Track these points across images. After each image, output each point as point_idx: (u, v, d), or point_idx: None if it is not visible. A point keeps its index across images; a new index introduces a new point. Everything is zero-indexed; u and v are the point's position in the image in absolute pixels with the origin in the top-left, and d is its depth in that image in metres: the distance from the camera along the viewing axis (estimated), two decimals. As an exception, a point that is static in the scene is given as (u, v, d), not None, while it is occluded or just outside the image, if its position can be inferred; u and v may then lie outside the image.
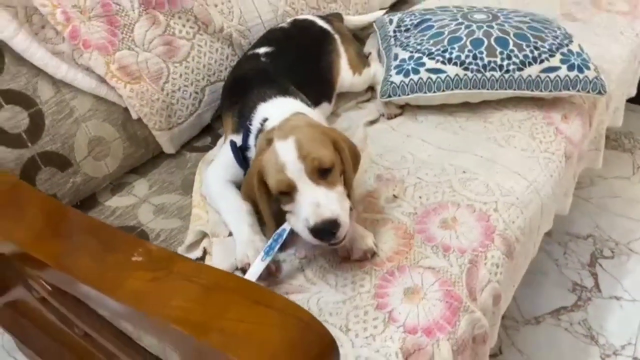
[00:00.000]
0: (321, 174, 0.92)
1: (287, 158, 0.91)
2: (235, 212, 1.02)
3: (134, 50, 1.16)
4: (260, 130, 1.01)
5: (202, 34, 1.29)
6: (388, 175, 1.19)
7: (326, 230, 0.88)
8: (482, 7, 1.51)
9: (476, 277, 0.99)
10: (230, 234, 1.03)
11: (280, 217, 0.97)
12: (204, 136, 1.34)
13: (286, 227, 0.96)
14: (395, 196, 1.13)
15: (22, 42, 1.00)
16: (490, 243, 1.04)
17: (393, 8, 1.87)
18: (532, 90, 1.32)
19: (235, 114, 1.10)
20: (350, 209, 0.97)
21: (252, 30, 1.39)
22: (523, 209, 1.12)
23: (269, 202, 0.97)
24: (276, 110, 1.02)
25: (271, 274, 0.96)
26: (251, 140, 1.04)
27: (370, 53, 1.55)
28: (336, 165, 0.95)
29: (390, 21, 1.56)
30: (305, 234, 0.90)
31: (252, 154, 1.04)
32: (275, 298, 0.66)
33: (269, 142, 0.94)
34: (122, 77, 1.12)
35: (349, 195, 0.99)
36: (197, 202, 1.12)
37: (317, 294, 0.94)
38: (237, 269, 0.97)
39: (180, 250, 1.02)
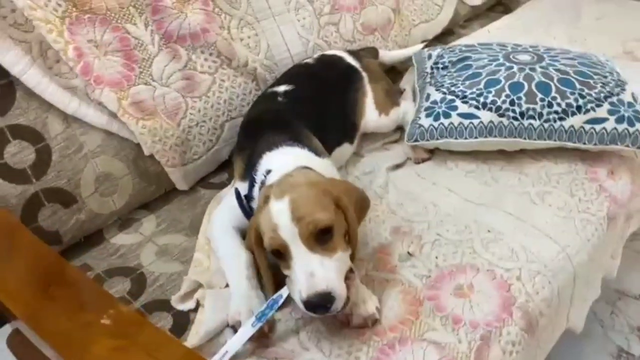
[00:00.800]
0: (318, 238, 0.86)
1: (280, 220, 0.86)
2: (234, 262, 0.97)
3: (151, 85, 1.14)
4: (263, 183, 0.97)
5: (225, 69, 1.25)
6: (406, 228, 1.11)
7: (319, 304, 0.83)
8: (528, 47, 1.40)
9: (486, 357, 0.89)
10: (227, 285, 0.98)
11: (280, 275, 0.92)
12: (221, 172, 1.30)
13: (283, 293, 0.90)
14: (410, 254, 1.05)
15: (33, 77, 1.00)
16: (508, 317, 0.94)
17: (437, 40, 1.78)
18: (575, 142, 1.21)
19: (244, 159, 1.06)
20: (351, 271, 0.90)
21: (279, 64, 1.35)
22: (551, 279, 1.02)
23: (266, 259, 0.92)
24: (280, 162, 0.97)
25: (263, 335, 0.90)
26: (255, 191, 0.99)
27: (404, 89, 1.48)
28: (337, 227, 0.88)
29: (429, 56, 1.48)
30: (300, 305, 0.84)
31: (255, 204, 0.99)
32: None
33: (266, 200, 0.89)
34: (135, 114, 1.10)
35: (352, 254, 0.92)
36: (201, 246, 1.08)
37: (307, 363, 0.88)
38: (228, 325, 0.92)
39: (174, 299, 0.98)
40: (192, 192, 1.25)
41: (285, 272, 0.89)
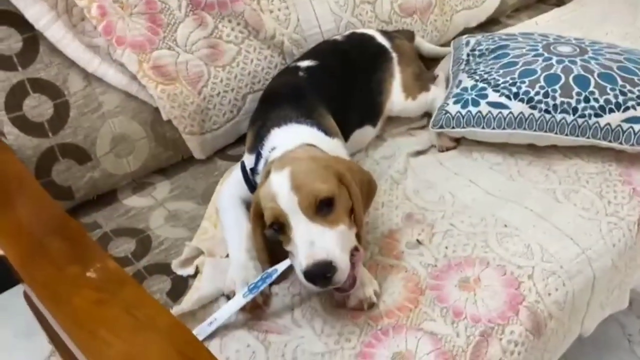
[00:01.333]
0: (319, 209, 0.83)
1: (279, 189, 0.84)
2: (236, 233, 0.96)
3: (174, 50, 1.14)
4: (267, 159, 0.95)
5: (252, 40, 1.24)
6: (419, 215, 1.07)
7: (319, 274, 0.79)
8: (572, 39, 1.33)
9: (484, 354, 0.85)
10: (228, 256, 0.97)
11: (279, 254, 0.90)
12: (240, 145, 1.29)
13: (279, 267, 0.88)
14: (419, 242, 1.01)
15: (57, 32, 1.01)
16: (513, 315, 0.89)
17: (481, 28, 1.71)
18: (610, 141, 1.13)
19: (254, 131, 1.04)
20: (357, 250, 0.88)
21: (309, 39, 1.32)
22: (566, 281, 0.96)
23: (262, 236, 0.91)
24: (285, 139, 0.95)
25: (257, 306, 0.89)
26: (260, 166, 0.98)
27: (437, 75, 1.43)
28: (338, 201, 0.85)
29: (467, 43, 1.42)
30: (302, 280, 0.81)
31: (259, 179, 0.97)
32: (202, 354, 0.59)
33: (267, 174, 0.88)
34: (155, 77, 1.10)
35: (358, 235, 0.89)
36: (209, 215, 1.08)
37: (297, 339, 0.86)
38: (223, 294, 0.91)
39: (174, 263, 0.98)
40: (209, 161, 1.24)
41: (287, 248, 0.87)
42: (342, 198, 0.87)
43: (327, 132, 1.00)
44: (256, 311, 0.89)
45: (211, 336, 0.86)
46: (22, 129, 1.01)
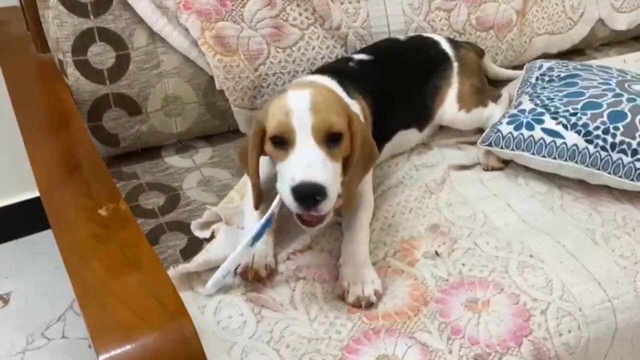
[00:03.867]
0: (326, 140, 0.84)
1: (296, 105, 0.84)
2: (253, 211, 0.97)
3: (239, 25, 1.17)
4: None
5: (317, 27, 1.25)
6: (445, 228, 1.05)
7: (310, 193, 0.79)
8: (653, 79, 1.25)
9: (473, 379, 0.82)
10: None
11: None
12: (287, 127, 1.31)
13: (274, 209, 0.89)
14: (437, 253, 0.99)
15: (129, -12, 1.07)
16: (514, 347, 0.86)
17: (564, 57, 1.63)
18: (667, 193, 1.06)
19: None
20: (339, 196, 0.87)
21: (374, 36, 1.32)
22: (583, 325, 0.90)
23: (258, 156, 0.90)
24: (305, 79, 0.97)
25: (259, 279, 0.90)
26: None
27: (502, 94, 1.39)
28: (344, 141, 0.86)
29: (540, 67, 1.37)
30: (287, 195, 0.81)
31: None
32: (178, 307, 0.61)
33: (282, 91, 0.88)
34: (214, 46, 1.14)
35: (351, 191, 0.90)
36: (240, 186, 1.10)
37: (289, 320, 0.86)
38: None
39: (193, 224, 1.01)
40: (254, 137, 1.27)
41: (279, 164, 0.85)
42: (346, 141, 0.87)
43: (348, 93, 1.00)
44: (257, 284, 0.91)
45: (210, 297, 0.88)
46: (83, 73, 1.08)
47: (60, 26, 1.06)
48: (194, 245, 0.98)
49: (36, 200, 1.64)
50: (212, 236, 0.99)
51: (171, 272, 0.90)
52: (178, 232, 1.01)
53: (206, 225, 1.01)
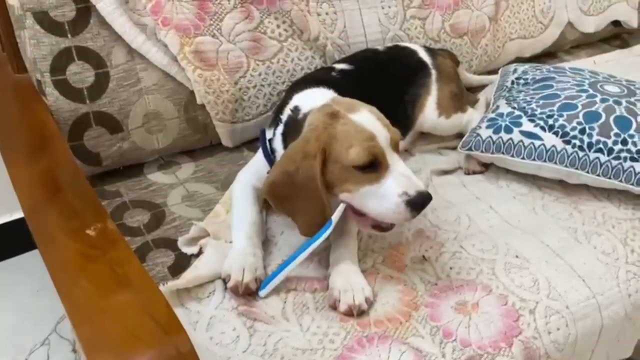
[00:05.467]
0: (397, 147, 0.90)
1: (374, 127, 0.87)
2: (242, 220, 0.98)
3: (218, 39, 1.18)
4: (292, 118, 0.97)
5: (295, 39, 1.26)
6: (430, 233, 1.06)
7: (425, 200, 0.86)
8: (623, 80, 1.28)
9: (467, 380, 0.83)
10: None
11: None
12: (269, 139, 1.31)
13: (333, 218, 0.88)
14: (424, 258, 1.00)
15: (107, 6, 1.06)
16: (505, 347, 0.87)
17: (536, 60, 1.67)
18: (644, 189, 1.09)
19: (276, 108, 1.07)
20: None
21: (352, 46, 1.33)
22: (570, 322, 0.92)
23: (324, 188, 0.87)
24: (310, 99, 0.97)
25: (250, 292, 0.90)
26: (279, 130, 1.00)
27: (479, 99, 1.41)
28: None
29: (515, 71, 1.40)
30: (398, 209, 0.85)
31: (277, 144, 1.00)
32: (172, 322, 0.61)
33: (334, 115, 0.88)
34: (194, 61, 1.14)
35: None
36: (225, 200, 1.10)
37: (282, 332, 0.86)
38: (220, 277, 0.93)
39: (180, 240, 1.01)
40: (237, 150, 1.27)
41: (365, 188, 0.86)
42: None
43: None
44: (248, 297, 0.90)
45: (202, 313, 0.88)
46: (62, 92, 1.06)
47: (37, 46, 1.05)
48: (182, 262, 0.98)
49: (17, 223, 1.62)
50: (200, 252, 0.99)
51: (161, 289, 0.89)
52: (165, 249, 1.00)
53: (193, 240, 1.01)
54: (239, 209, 1.00)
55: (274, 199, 0.90)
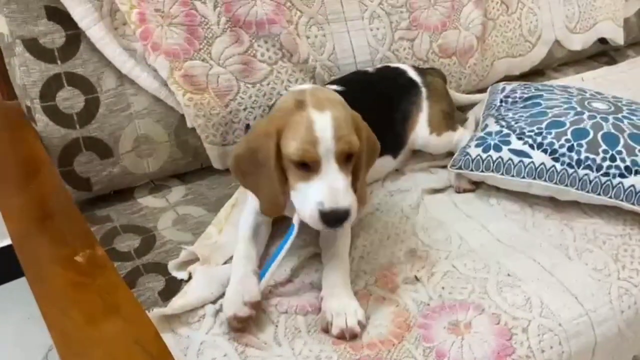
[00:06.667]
0: (344, 159, 0.88)
1: (323, 134, 0.86)
2: (242, 259, 0.95)
3: (208, 63, 1.18)
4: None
5: (285, 62, 1.27)
6: (422, 253, 1.06)
7: (338, 218, 0.86)
8: (609, 96, 1.30)
9: (460, 402, 0.82)
10: (224, 263, 0.99)
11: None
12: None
13: (295, 222, 0.92)
14: (417, 278, 1.00)
15: (97, 33, 1.07)
16: (499, 367, 0.86)
17: (525, 78, 1.69)
18: (633, 204, 1.09)
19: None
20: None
21: (342, 68, 1.34)
22: (563, 340, 0.92)
23: (279, 169, 0.89)
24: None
25: (242, 320, 0.88)
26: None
27: (468, 118, 1.42)
28: (356, 155, 0.90)
29: (503, 89, 1.41)
30: (312, 215, 0.86)
31: None
32: (163, 352, 0.60)
33: (300, 104, 0.89)
34: (184, 85, 1.15)
35: (355, 188, 0.92)
36: (218, 221, 1.10)
37: (273, 358, 0.85)
38: (210, 302, 0.92)
39: (170, 265, 1.00)
40: (228, 173, 1.26)
41: (298, 183, 0.88)
42: (358, 152, 0.91)
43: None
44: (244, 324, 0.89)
45: (192, 339, 0.87)
46: (52, 118, 1.07)
47: (27, 73, 1.05)
48: (173, 286, 0.97)
49: (6, 249, 1.61)
50: (190, 277, 0.98)
51: (149, 315, 0.88)
52: (155, 273, 0.99)
53: (183, 265, 1.00)
54: (241, 249, 0.97)
55: (239, 173, 0.93)
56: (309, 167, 0.87)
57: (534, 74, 1.73)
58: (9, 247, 1.59)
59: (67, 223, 0.82)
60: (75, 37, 1.08)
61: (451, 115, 1.32)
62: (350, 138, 0.88)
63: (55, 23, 1.06)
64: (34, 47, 1.05)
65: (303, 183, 0.88)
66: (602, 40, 1.82)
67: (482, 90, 1.53)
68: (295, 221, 0.92)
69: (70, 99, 1.08)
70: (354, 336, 0.87)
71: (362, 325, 0.89)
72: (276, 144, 0.88)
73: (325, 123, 0.87)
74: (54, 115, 1.07)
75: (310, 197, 0.86)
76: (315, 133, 0.86)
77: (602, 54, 1.89)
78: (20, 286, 1.59)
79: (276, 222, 1.07)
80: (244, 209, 1.05)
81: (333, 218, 0.85)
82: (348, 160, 0.89)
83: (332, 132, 0.86)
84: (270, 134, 0.88)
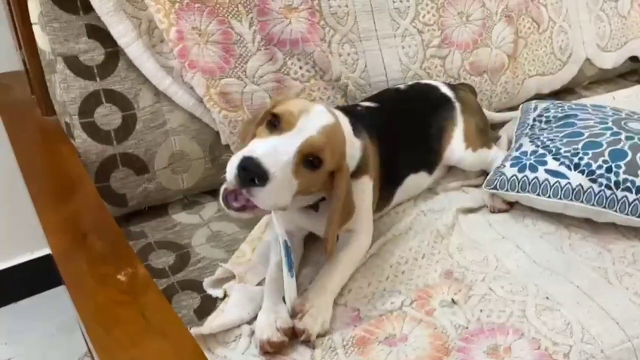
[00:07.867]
0: (307, 159, 0.86)
1: (312, 116, 0.87)
2: (274, 281, 0.96)
3: (243, 81, 1.19)
4: None
5: (318, 80, 1.27)
6: (459, 274, 1.04)
7: (249, 168, 0.80)
8: (647, 116, 1.28)
9: None
10: (259, 284, 0.98)
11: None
12: (293, 178, 1.32)
13: (280, 238, 0.95)
14: (454, 301, 0.99)
15: (135, 50, 1.08)
16: (541, 393, 0.84)
17: (555, 96, 1.67)
18: (674, 227, 1.07)
19: None
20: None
21: (373, 85, 1.34)
22: (605, 367, 0.90)
23: (255, 127, 0.92)
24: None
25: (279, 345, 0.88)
26: None
27: (500, 137, 1.41)
28: (319, 176, 0.89)
29: (535, 108, 1.40)
30: (232, 165, 0.82)
31: None
32: (207, 367, 0.60)
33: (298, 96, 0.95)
34: (220, 103, 1.15)
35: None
36: (252, 239, 1.10)
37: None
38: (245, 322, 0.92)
39: (206, 282, 1.00)
40: (260, 190, 1.27)
41: (256, 138, 0.88)
42: (320, 177, 0.89)
43: (356, 132, 1.03)
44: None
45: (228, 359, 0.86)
46: (90, 135, 1.08)
47: (66, 90, 1.07)
48: (208, 304, 0.97)
49: (33, 263, 1.62)
50: (225, 295, 0.98)
51: (187, 333, 0.88)
52: (190, 291, 0.99)
53: (219, 282, 1.00)
54: (272, 264, 0.98)
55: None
56: (276, 128, 0.86)
57: (564, 92, 1.71)
58: (34, 260, 1.61)
59: (108, 240, 0.82)
60: (114, 54, 1.09)
61: (485, 132, 1.31)
62: (326, 147, 0.86)
63: (95, 40, 1.08)
64: (74, 64, 1.07)
65: (258, 138, 0.87)
66: (633, 59, 1.80)
67: (513, 109, 1.53)
68: (281, 238, 0.93)
69: (108, 116, 1.09)
70: (306, 341, 0.87)
71: (321, 335, 0.89)
72: (270, 110, 0.90)
73: (320, 115, 0.89)
74: (92, 131, 1.08)
75: (247, 147, 0.85)
76: (309, 110, 0.88)
77: (633, 72, 1.87)
78: (46, 299, 1.61)
79: (308, 241, 1.07)
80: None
81: (244, 165, 0.80)
82: (310, 166, 0.86)
83: (319, 124, 0.87)
84: (269, 104, 0.95)
